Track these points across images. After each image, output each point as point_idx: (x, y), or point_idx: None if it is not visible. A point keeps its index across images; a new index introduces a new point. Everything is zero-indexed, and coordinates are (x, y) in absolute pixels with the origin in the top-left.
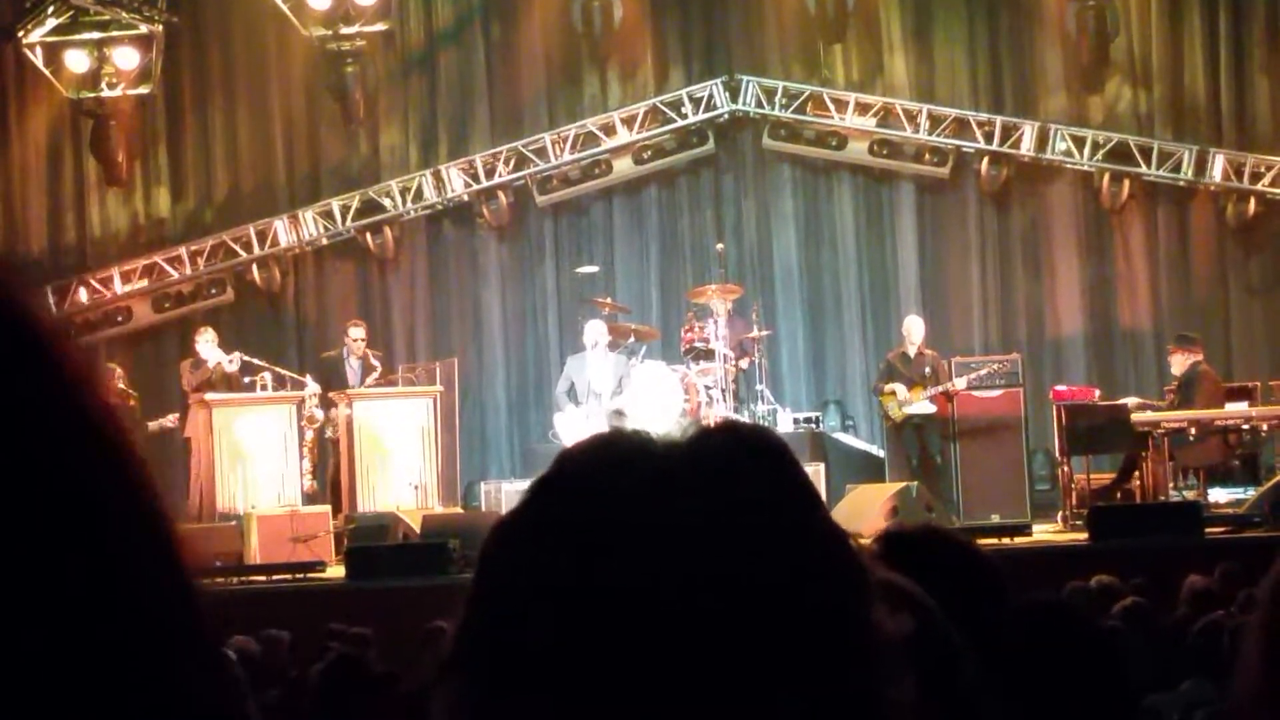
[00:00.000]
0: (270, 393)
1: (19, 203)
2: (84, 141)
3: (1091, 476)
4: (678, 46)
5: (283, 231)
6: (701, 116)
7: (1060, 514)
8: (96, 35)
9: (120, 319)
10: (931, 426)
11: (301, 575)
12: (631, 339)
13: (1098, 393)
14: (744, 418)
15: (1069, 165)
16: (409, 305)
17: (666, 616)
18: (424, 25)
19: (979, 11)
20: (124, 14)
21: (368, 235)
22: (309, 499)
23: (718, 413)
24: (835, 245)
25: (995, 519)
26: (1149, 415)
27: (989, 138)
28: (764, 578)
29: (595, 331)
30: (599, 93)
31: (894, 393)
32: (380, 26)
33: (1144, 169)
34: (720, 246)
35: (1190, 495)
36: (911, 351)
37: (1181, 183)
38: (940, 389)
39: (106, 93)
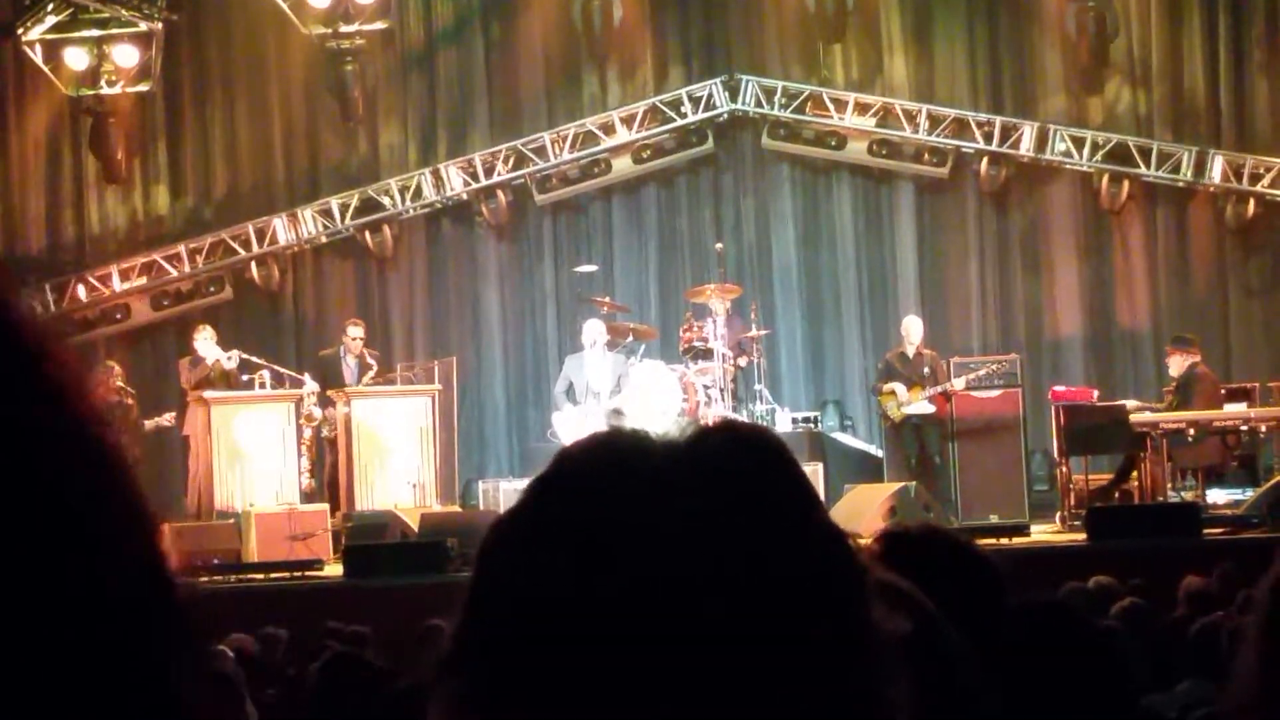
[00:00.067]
0: (269, 391)
1: (18, 200)
2: (83, 139)
3: (1090, 477)
4: (677, 46)
5: (282, 230)
6: (701, 116)
7: (1058, 514)
8: (96, 33)
9: (119, 317)
10: (930, 426)
11: (299, 573)
12: (630, 338)
13: (1096, 393)
14: (742, 417)
15: (1068, 166)
16: (408, 304)
17: (665, 616)
18: (423, 24)
19: (979, 12)
20: (124, 11)
21: (367, 234)
22: (307, 497)
23: (716, 412)
24: (834, 245)
25: (993, 519)
26: (1147, 416)
27: (988, 138)
28: (763, 577)
29: (594, 331)
30: (598, 92)
31: (893, 393)
32: (380, 25)
33: (1143, 170)
34: (719, 246)
35: (1188, 496)
36: (910, 351)
37: (1180, 184)
38: (939, 389)
39: (106, 90)
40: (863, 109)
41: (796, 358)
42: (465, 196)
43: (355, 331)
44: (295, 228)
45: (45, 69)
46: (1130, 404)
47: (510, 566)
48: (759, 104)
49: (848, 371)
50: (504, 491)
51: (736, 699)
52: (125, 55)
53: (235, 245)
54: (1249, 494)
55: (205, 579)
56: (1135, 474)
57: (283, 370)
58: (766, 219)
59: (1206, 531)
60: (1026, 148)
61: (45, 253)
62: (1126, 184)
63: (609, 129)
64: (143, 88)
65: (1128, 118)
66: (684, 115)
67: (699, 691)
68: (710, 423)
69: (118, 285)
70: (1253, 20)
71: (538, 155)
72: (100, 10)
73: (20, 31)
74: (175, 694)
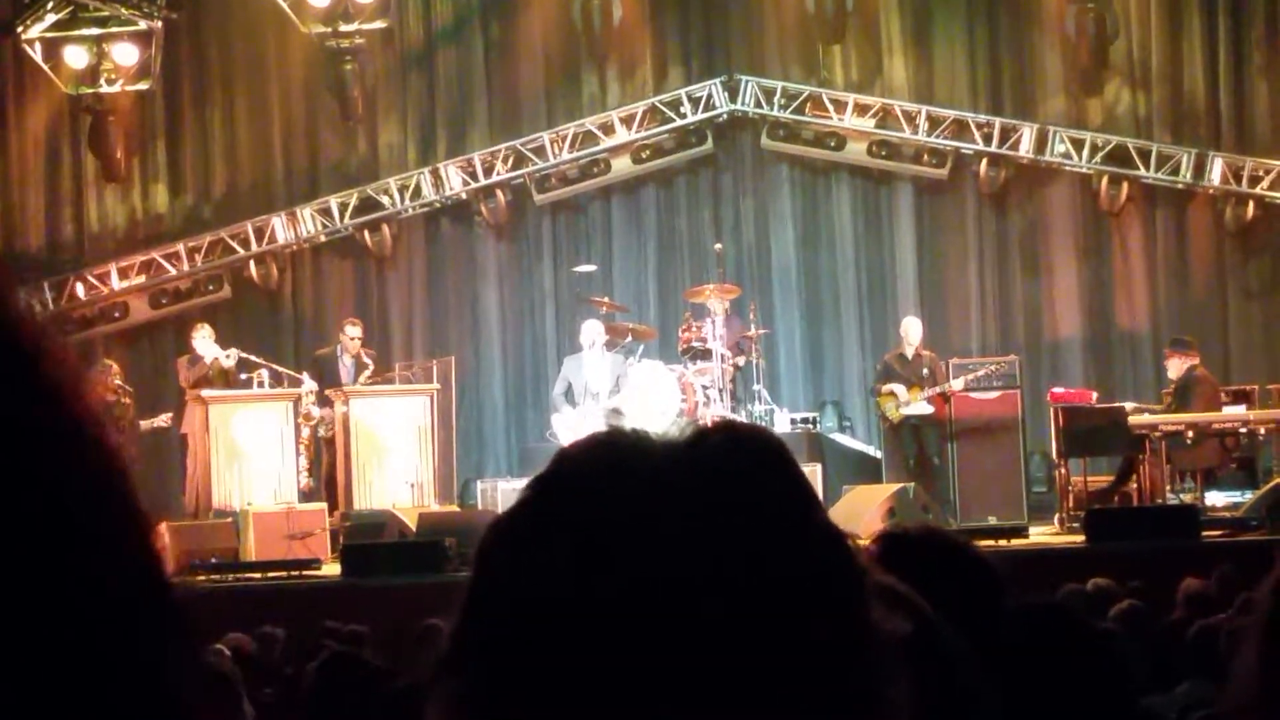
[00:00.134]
0: (267, 390)
1: (17, 198)
2: (82, 137)
3: (1088, 479)
4: (677, 46)
5: (280, 229)
6: (700, 116)
7: (1057, 516)
8: (96, 31)
9: (117, 315)
10: (929, 427)
11: (297, 573)
12: (629, 338)
13: (1095, 395)
14: (741, 418)
15: (1068, 167)
16: (406, 303)
17: (664, 617)
18: (423, 23)
19: (978, 13)
20: (123, 10)
21: (366, 233)
22: (305, 496)
23: (715, 413)
24: (833, 246)
25: (992, 520)
26: (1146, 418)
27: (988, 139)
28: (762, 578)
29: (592, 331)
30: (598, 92)
31: (892, 393)
32: (379, 24)
33: (1142, 171)
34: (718, 246)
35: (1187, 498)
36: (909, 352)
37: (1180, 186)
38: (938, 390)
39: (105, 89)
40: (862, 110)
41: (795, 358)
42: (464, 196)
43: (353, 331)
44: (294, 227)
45: (45, 67)
46: (1129, 406)
47: (509, 566)
48: (758, 104)
49: (846, 372)
50: (502, 491)
51: (736, 700)
52: (125, 54)
53: (234, 244)
54: (1248, 496)
55: (203, 578)
56: (1134, 476)
57: (281, 369)
58: (766, 219)
59: (1205, 534)
60: (1026, 149)
61: (44, 251)
62: (1126, 186)
63: (608, 129)
64: (142, 86)
65: (1127, 119)
66: (683, 115)
67: (698, 692)
68: (709, 423)
69: (116, 284)
70: (1252, 22)
71: (537, 155)
72: (100, 9)
73: (20, 30)
74: (172, 693)
